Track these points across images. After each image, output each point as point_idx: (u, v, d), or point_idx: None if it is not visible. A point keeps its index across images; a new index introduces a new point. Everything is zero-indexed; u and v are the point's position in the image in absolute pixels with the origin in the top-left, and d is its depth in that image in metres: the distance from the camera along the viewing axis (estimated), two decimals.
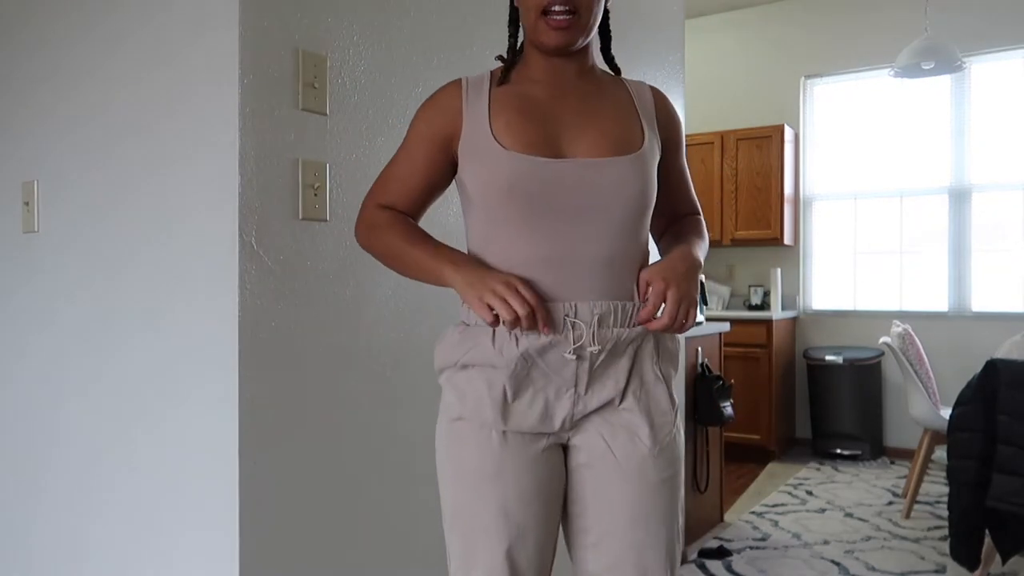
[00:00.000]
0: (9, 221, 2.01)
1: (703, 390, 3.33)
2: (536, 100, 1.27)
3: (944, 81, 5.03)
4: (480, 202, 1.25)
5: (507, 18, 1.35)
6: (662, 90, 1.42)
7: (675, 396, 1.32)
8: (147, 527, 1.66)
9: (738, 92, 5.67)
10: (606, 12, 1.33)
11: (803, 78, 5.51)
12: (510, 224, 1.22)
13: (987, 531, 2.74)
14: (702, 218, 1.47)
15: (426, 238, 1.31)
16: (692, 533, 3.31)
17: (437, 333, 1.99)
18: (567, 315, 1.21)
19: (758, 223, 5.29)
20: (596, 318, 1.21)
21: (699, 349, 3.41)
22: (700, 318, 3.47)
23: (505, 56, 1.32)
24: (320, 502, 1.64)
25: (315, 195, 1.62)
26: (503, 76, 1.29)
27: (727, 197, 5.38)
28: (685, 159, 1.43)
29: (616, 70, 1.40)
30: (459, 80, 1.31)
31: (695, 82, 5.71)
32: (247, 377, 1.49)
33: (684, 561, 3.15)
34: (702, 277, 3.52)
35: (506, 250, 1.23)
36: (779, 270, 5.28)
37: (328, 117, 1.65)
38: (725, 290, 5.63)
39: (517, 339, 1.21)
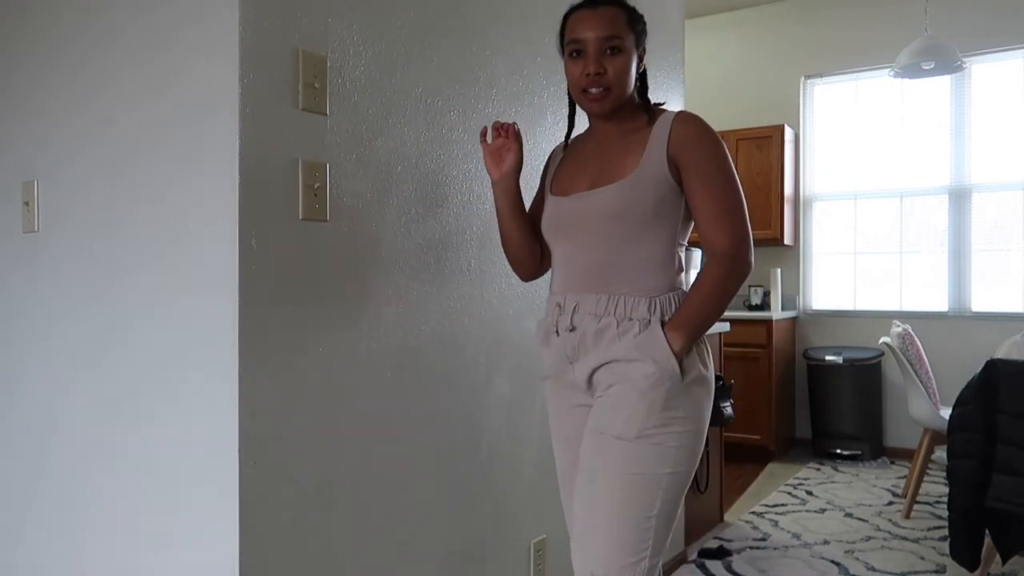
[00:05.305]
0: (9, 221, 2.01)
1: None
2: (582, 155, 1.69)
3: (944, 81, 5.03)
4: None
5: (564, 83, 1.73)
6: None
7: (659, 395, 1.51)
8: (146, 527, 1.67)
9: (738, 92, 5.67)
10: (644, 71, 1.65)
11: (803, 78, 5.51)
12: (549, 241, 1.71)
13: (987, 531, 2.74)
14: (727, 255, 1.56)
15: None
16: (692, 533, 3.31)
17: (438, 333, 2.00)
18: (558, 303, 1.63)
19: (758, 223, 5.29)
20: (575, 305, 1.60)
21: None
22: None
23: (567, 125, 1.77)
24: (320, 502, 1.64)
25: (315, 195, 1.62)
26: (566, 141, 1.77)
27: None
28: (711, 179, 1.58)
29: (651, 111, 1.63)
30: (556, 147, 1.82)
31: (695, 82, 5.71)
32: (247, 377, 1.49)
33: (684, 561, 3.15)
34: None
35: (551, 257, 1.75)
36: (779, 270, 5.28)
37: (328, 117, 1.65)
38: None
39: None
